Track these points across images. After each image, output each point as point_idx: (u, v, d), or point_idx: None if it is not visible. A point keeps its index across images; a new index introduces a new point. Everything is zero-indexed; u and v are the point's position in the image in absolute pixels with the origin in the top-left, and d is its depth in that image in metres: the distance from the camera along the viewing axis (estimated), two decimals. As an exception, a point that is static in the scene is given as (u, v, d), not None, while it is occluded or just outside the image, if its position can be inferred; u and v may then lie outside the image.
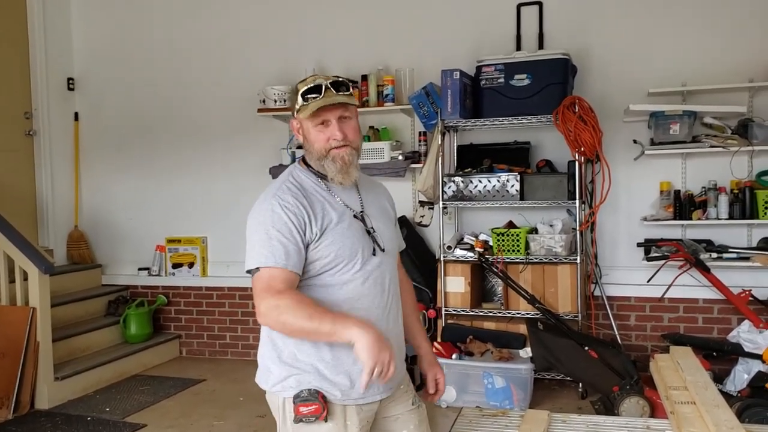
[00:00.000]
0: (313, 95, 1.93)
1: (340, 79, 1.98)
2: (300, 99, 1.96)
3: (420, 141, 5.08)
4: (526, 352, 4.35)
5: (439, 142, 4.70)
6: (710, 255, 4.44)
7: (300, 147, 5.22)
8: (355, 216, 2.01)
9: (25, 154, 5.82)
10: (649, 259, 4.49)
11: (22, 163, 5.79)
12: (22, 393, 4.42)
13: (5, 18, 5.65)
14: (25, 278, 4.59)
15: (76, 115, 6.16)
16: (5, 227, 4.63)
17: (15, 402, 4.38)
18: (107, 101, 6.12)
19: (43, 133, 5.87)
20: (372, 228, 2.04)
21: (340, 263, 1.94)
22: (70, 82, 6.12)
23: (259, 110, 5.34)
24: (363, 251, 1.98)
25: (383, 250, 2.05)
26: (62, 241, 6.03)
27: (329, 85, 1.94)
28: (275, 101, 5.24)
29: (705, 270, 4.33)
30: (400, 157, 5.02)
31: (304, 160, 2.07)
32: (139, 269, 6.01)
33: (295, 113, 2.01)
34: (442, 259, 4.70)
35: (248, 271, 1.91)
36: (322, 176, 2.02)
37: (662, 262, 4.42)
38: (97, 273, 6.08)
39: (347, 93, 1.96)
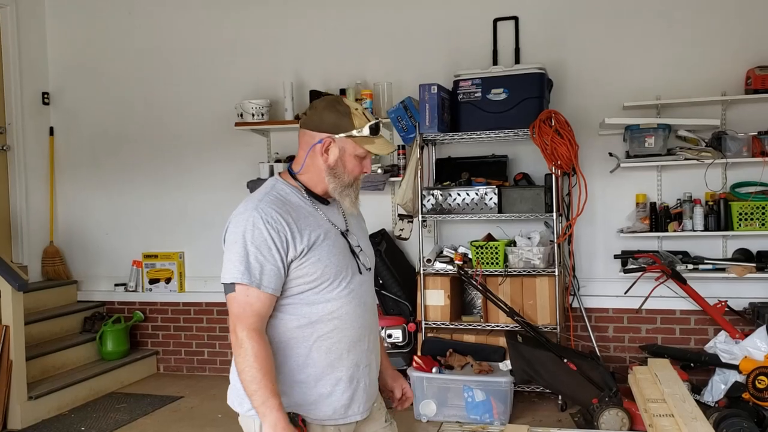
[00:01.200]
0: (377, 131, 1.99)
1: (381, 121, 2.10)
2: (367, 130, 1.96)
3: (399, 155, 5.09)
4: (506, 365, 4.36)
5: (418, 156, 4.71)
6: (686, 266, 4.49)
7: (285, 160, 5.22)
8: (342, 233, 2.01)
9: (-1, 169, 5.75)
10: (626, 271, 4.52)
11: (-5, 179, 5.71)
12: (-5, 413, 4.34)
13: (-22, 32, 5.58)
14: (-1, 296, 4.52)
15: (51, 129, 6.10)
16: (-22, 244, 4.56)
17: (-13, 422, 4.30)
18: (83, 115, 6.06)
19: (17, 148, 5.80)
20: (357, 246, 2.04)
21: (325, 281, 1.91)
22: (45, 96, 6.06)
23: (237, 124, 5.32)
24: (348, 270, 1.97)
25: (369, 269, 2.06)
26: (37, 257, 5.94)
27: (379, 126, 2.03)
28: (253, 115, 5.23)
29: (681, 281, 4.37)
30: (379, 171, 5.03)
31: (290, 173, 2.03)
32: (116, 285, 5.94)
33: (339, 135, 1.96)
34: (421, 272, 4.70)
35: (223, 284, 1.89)
36: (311, 193, 2.01)
37: (639, 273, 4.45)
38: (73, 289, 6.00)
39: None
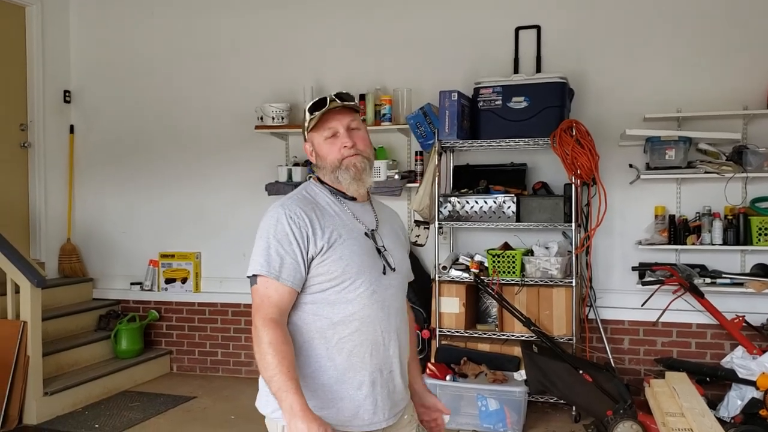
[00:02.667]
0: (317, 107, 1.98)
1: (344, 91, 2.03)
2: (307, 114, 2.00)
3: (416, 161, 5.09)
4: (521, 374, 4.34)
5: (436, 163, 4.71)
6: (704, 280, 4.46)
7: (303, 164, 5.24)
8: (366, 234, 2.00)
9: (19, 166, 5.79)
10: (643, 284, 4.50)
11: (15, 175, 5.76)
12: (11, 407, 4.36)
13: (4, 30, 5.64)
14: (17, 291, 4.55)
15: (72, 127, 6.15)
16: (-2, 239, 4.60)
17: (3, 416, 4.32)
18: (103, 115, 6.11)
19: (38, 145, 5.85)
20: (383, 246, 2.02)
21: (347, 280, 1.91)
22: (67, 94, 6.11)
23: (257, 127, 5.34)
24: (372, 270, 1.96)
25: (393, 270, 2.02)
26: (54, 254, 5.99)
27: (333, 97, 1.98)
28: (273, 118, 5.26)
29: (699, 295, 4.35)
30: (397, 177, 5.03)
31: (318, 178, 2.07)
32: (132, 284, 5.97)
33: (306, 133, 2.03)
34: (437, 279, 4.70)
35: (247, 277, 1.92)
36: (338, 192, 2.02)
37: (656, 286, 4.43)
38: (89, 287, 6.04)
39: (352, 102, 2.01)
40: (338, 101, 1.97)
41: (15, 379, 4.38)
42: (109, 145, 6.09)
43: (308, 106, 2.00)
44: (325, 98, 1.98)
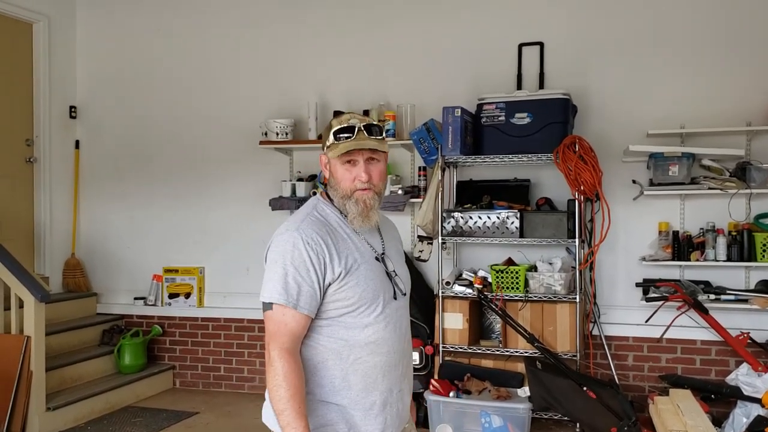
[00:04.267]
0: (346, 135, 1.93)
1: (374, 123, 1.98)
2: (332, 137, 1.95)
3: (420, 176, 5.10)
4: (524, 391, 4.32)
5: (439, 178, 4.72)
6: (708, 296, 4.44)
7: (307, 179, 5.26)
8: (376, 258, 2.00)
9: (25, 180, 5.81)
10: (647, 300, 4.48)
11: (21, 190, 5.78)
12: (13, 423, 4.36)
13: (11, 46, 5.69)
14: (21, 306, 4.56)
15: (77, 143, 6.18)
16: (2, 254, 4.60)
17: (6, 431, 4.32)
18: (108, 130, 6.14)
19: (43, 160, 5.88)
20: (393, 271, 2.03)
21: (362, 305, 1.92)
22: (72, 110, 6.15)
23: (261, 142, 5.36)
24: (384, 294, 1.97)
25: (404, 294, 2.05)
26: (58, 268, 6.00)
27: (362, 128, 1.94)
28: (277, 134, 5.28)
29: (703, 311, 4.33)
30: (400, 192, 5.04)
31: (327, 194, 2.05)
32: (135, 299, 5.98)
33: (325, 149, 2.00)
34: (440, 294, 4.69)
35: (262, 302, 1.91)
36: (345, 213, 2.01)
37: (660, 302, 4.41)
38: (93, 302, 6.04)
39: (379, 138, 1.97)
40: (365, 134, 1.94)
41: (18, 393, 4.38)
42: (114, 160, 6.12)
43: (335, 129, 1.95)
44: (354, 127, 1.94)
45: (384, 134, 2.03)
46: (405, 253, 2.30)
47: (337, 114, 5.05)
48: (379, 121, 5.13)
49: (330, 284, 1.89)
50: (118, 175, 6.10)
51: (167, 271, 5.89)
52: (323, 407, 1.93)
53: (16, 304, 4.57)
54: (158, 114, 5.98)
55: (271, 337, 1.86)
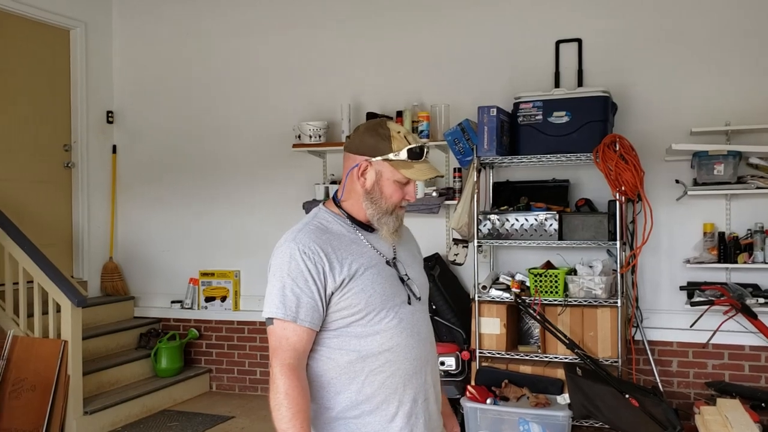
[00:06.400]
0: (418, 155, 1.88)
1: (427, 146, 1.95)
2: (405, 153, 1.87)
3: (455, 177, 5.02)
4: (564, 398, 4.21)
5: (475, 179, 4.63)
6: (757, 300, 4.26)
7: (339, 182, 5.21)
8: (387, 262, 1.92)
9: (63, 185, 5.88)
10: (692, 304, 4.33)
11: (59, 195, 5.85)
12: (52, 427, 4.39)
13: (49, 52, 5.76)
14: (58, 310, 4.59)
15: (114, 147, 6.23)
16: (40, 259, 4.65)
17: (44, 436, 4.35)
18: (144, 135, 6.19)
19: (81, 165, 5.94)
20: (406, 275, 1.95)
21: (371, 312, 1.84)
22: (109, 115, 6.20)
23: (294, 145, 5.34)
24: (396, 299, 1.88)
25: (419, 299, 1.96)
26: (96, 272, 6.06)
27: (428, 149, 1.93)
28: (310, 137, 5.25)
29: (752, 316, 4.16)
30: (434, 194, 4.96)
31: (334, 201, 1.97)
32: (172, 302, 6.01)
33: (376, 158, 1.88)
34: (476, 299, 4.59)
35: (264, 318, 1.85)
36: (355, 221, 1.93)
37: (706, 307, 4.26)
38: (130, 305, 6.09)
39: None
40: (427, 155, 1.93)
41: (56, 398, 4.40)
42: (150, 164, 6.16)
43: (411, 147, 1.87)
44: (423, 148, 1.90)
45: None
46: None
47: (372, 114, 5.04)
48: (413, 122, 5.07)
49: (333, 293, 1.81)
50: (154, 180, 6.14)
51: (203, 274, 5.91)
52: (341, 426, 1.85)
53: (54, 309, 4.60)
54: (193, 118, 6.00)
55: (273, 353, 1.80)
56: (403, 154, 1.86)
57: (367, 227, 1.94)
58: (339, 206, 1.96)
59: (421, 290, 2.00)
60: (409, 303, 1.92)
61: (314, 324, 1.81)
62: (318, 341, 1.85)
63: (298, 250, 1.81)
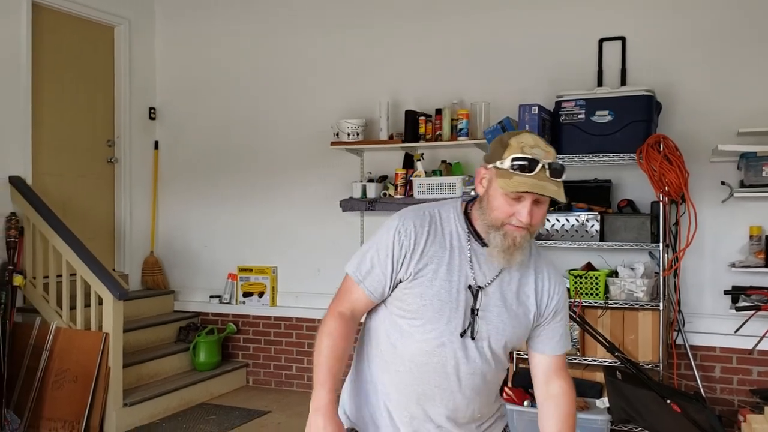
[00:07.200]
0: (525, 168, 1.68)
1: (559, 162, 1.73)
2: (508, 162, 1.70)
3: (494, 177, 4.96)
4: (603, 402, 4.14)
5: (515, 179, 4.56)
6: (806, 306, 4.15)
7: (377, 180, 5.20)
8: (469, 287, 1.80)
9: (106, 180, 5.98)
10: (737, 309, 4.22)
11: (102, 190, 5.95)
12: (92, 418, 4.47)
13: (94, 49, 5.85)
14: (100, 303, 4.67)
15: (156, 143, 6.32)
16: (83, 253, 4.73)
17: (85, 426, 4.42)
18: (186, 131, 6.25)
19: (123, 161, 6.03)
20: (477, 310, 1.80)
21: (419, 319, 1.80)
22: (152, 111, 6.28)
23: (333, 143, 5.34)
24: (450, 323, 1.79)
25: (473, 338, 1.81)
26: (138, 266, 6.15)
27: (546, 166, 1.69)
28: (348, 134, 5.24)
29: (800, 322, 4.05)
30: (473, 193, 4.89)
31: (468, 206, 1.85)
32: (211, 297, 6.07)
33: (491, 166, 1.76)
34: (515, 299, 4.54)
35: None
36: (474, 232, 1.82)
37: (752, 312, 4.15)
38: (170, 299, 6.16)
39: (559, 181, 1.71)
40: (547, 174, 1.69)
41: (96, 389, 4.48)
42: (191, 160, 6.23)
43: (514, 157, 1.69)
44: (537, 162, 1.68)
45: (563, 176, 1.73)
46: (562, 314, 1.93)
47: (410, 112, 5.02)
48: (452, 120, 5.02)
49: (401, 280, 1.81)
50: (195, 175, 6.21)
51: (242, 270, 5.96)
52: (355, 393, 1.96)
53: (96, 302, 4.68)
54: (233, 116, 6.05)
55: (335, 298, 1.89)
56: (507, 163, 1.70)
57: (481, 240, 1.82)
58: (468, 210, 1.86)
59: (493, 337, 1.83)
60: (462, 336, 1.81)
61: (374, 296, 1.85)
62: (381, 313, 1.90)
63: (396, 227, 1.82)
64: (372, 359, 1.92)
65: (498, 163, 1.73)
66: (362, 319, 1.96)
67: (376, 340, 1.91)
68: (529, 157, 1.69)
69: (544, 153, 1.71)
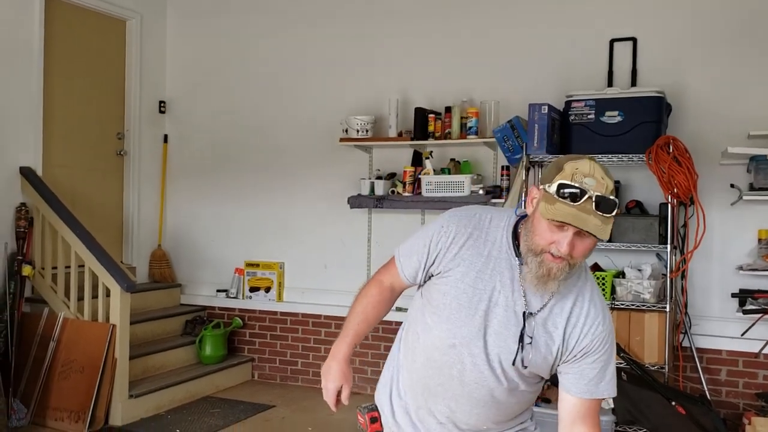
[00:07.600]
0: (570, 196, 1.60)
1: (612, 198, 1.61)
2: (555, 187, 1.62)
3: (503, 175, 4.97)
4: (608, 403, 4.12)
5: (523, 178, 4.57)
6: (813, 310, 4.14)
7: (386, 177, 5.21)
8: (524, 314, 1.75)
9: (115, 173, 6.00)
10: (744, 312, 4.21)
11: (111, 182, 5.97)
12: (98, 408, 4.49)
13: (106, 42, 5.88)
14: (108, 294, 4.69)
15: (166, 137, 6.34)
16: (91, 244, 4.75)
17: (90, 417, 4.45)
18: (195, 125, 6.27)
19: (133, 154, 6.06)
20: (530, 337, 1.74)
21: (437, 314, 1.84)
22: (162, 105, 6.31)
23: (342, 139, 5.35)
24: (461, 329, 1.78)
25: (487, 358, 1.78)
26: (145, 259, 6.17)
27: (594, 198, 1.59)
28: (357, 131, 5.25)
29: (807, 327, 4.03)
30: (481, 192, 4.92)
31: (520, 221, 1.79)
32: (218, 291, 6.09)
33: (541, 187, 1.69)
34: (521, 298, 4.54)
35: None
36: (516, 240, 1.77)
37: (759, 315, 4.14)
38: (177, 292, 6.18)
39: (607, 216, 1.60)
40: (592, 207, 1.58)
41: (102, 380, 4.51)
42: (200, 154, 6.25)
43: (561, 183, 1.61)
44: (585, 192, 1.59)
45: (614, 212, 1.62)
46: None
47: (420, 110, 5.02)
48: (461, 118, 5.02)
49: (432, 275, 1.88)
50: (204, 170, 6.23)
51: (249, 265, 5.97)
52: (394, 369, 2.04)
53: (104, 293, 4.70)
54: (242, 111, 6.06)
55: (380, 268, 2.03)
56: (554, 188, 1.62)
57: (520, 255, 1.75)
58: (517, 225, 1.79)
59: (503, 356, 1.77)
60: (514, 363, 1.78)
61: (406, 279, 1.95)
62: (419, 302, 1.96)
63: (443, 224, 1.86)
64: (403, 342, 2.03)
65: (547, 186, 1.65)
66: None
67: (408, 326, 2.01)
68: (576, 185, 1.60)
69: (597, 184, 1.60)
